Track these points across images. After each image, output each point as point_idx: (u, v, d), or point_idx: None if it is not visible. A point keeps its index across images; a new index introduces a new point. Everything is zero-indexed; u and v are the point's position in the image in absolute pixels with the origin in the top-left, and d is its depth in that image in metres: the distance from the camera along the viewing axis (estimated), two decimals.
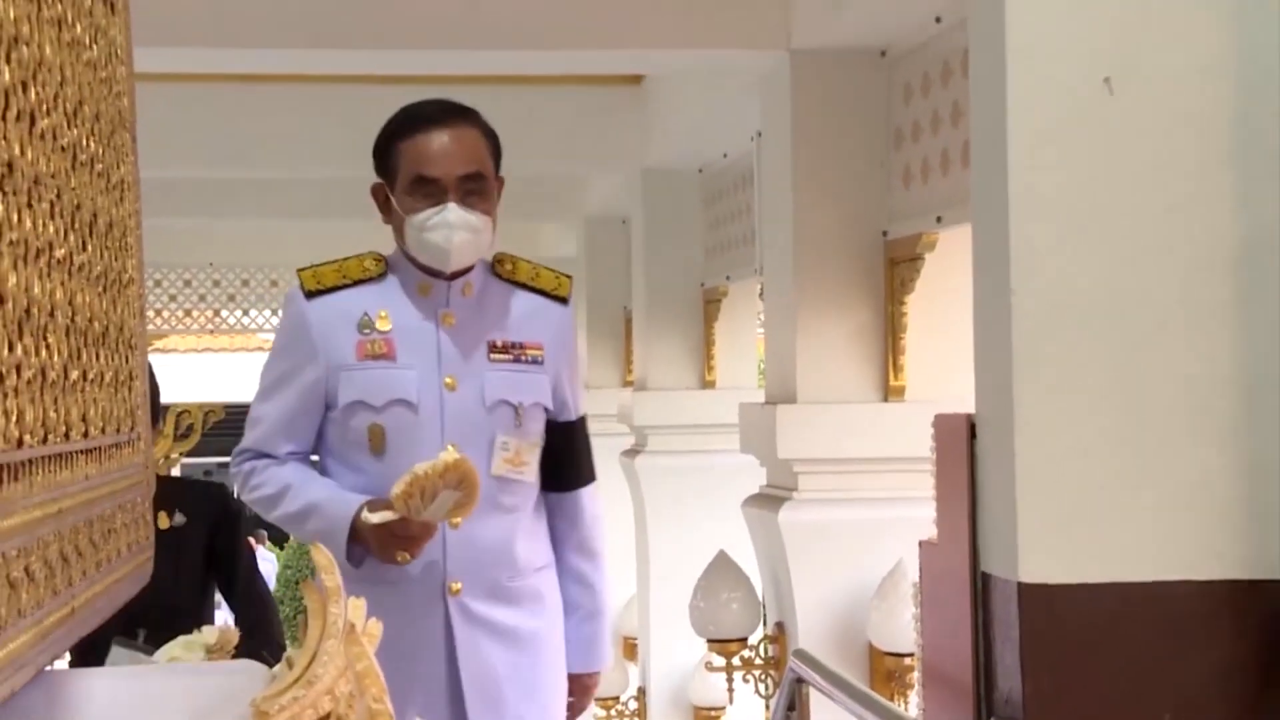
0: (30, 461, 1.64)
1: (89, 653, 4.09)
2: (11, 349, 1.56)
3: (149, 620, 4.37)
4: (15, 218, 1.58)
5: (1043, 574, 2.76)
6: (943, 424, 3.25)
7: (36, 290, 1.67)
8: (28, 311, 1.62)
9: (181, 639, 3.91)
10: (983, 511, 2.94)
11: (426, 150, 3.95)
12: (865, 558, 6.10)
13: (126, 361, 2.22)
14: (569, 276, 4.33)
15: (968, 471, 3.05)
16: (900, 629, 5.72)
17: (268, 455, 4.14)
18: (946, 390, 5.84)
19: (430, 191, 3.90)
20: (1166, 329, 2.72)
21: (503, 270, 4.27)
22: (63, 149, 1.82)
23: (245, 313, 13.18)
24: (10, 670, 1.49)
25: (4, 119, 1.55)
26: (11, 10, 1.57)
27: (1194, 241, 2.71)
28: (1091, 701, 2.79)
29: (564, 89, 9.01)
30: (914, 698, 4.89)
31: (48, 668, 1.77)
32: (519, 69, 7.90)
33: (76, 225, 1.89)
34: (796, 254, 6.41)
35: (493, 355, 4.16)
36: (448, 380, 4.09)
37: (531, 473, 4.20)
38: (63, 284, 1.81)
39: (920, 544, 3.44)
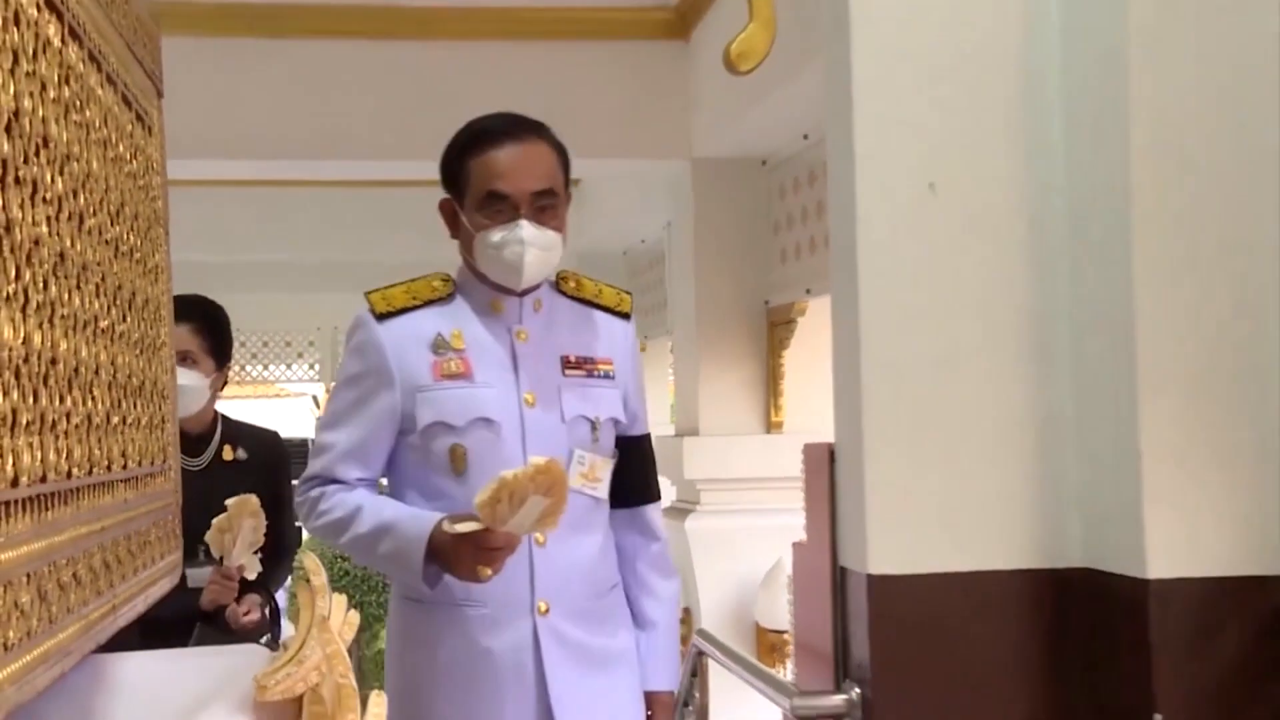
0: (78, 489, 1.63)
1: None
2: (62, 400, 1.56)
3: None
4: (66, 296, 1.58)
5: (886, 567, 2.81)
6: (810, 451, 3.29)
7: (84, 353, 1.67)
8: (76, 370, 1.62)
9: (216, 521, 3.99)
10: (840, 519, 2.99)
11: (498, 166, 3.15)
12: (752, 556, 6.17)
13: (159, 409, 2.21)
14: (629, 293, 3.53)
15: (828, 488, 3.10)
16: (779, 611, 5.75)
17: (336, 481, 3.29)
18: (814, 424, 5.88)
19: (502, 208, 3.14)
20: (976, 377, 2.77)
21: (567, 287, 3.46)
22: (107, 242, 1.81)
23: (265, 367, 13.10)
24: (59, 657, 1.49)
25: (57, 219, 1.55)
26: (64, 134, 1.57)
27: (995, 310, 2.77)
28: (924, 668, 2.85)
29: None
30: (790, 665, 4.90)
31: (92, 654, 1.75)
32: None
33: (118, 302, 1.89)
34: (698, 318, 6.50)
35: (567, 371, 3.34)
36: (527, 396, 3.28)
37: (605, 489, 3.36)
38: (106, 348, 1.80)
39: (794, 545, 3.47)
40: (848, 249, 2.79)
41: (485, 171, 3.18)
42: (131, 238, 1.99)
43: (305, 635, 1.73)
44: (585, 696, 3.17)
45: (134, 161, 2.01)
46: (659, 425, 7.81)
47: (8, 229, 1.36)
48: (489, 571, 3.02)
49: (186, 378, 3.98)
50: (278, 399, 21.91)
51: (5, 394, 1.36)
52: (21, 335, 1.41)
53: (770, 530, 5.82)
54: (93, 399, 1.73)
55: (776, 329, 6.45)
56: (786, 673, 5.01)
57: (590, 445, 3.29)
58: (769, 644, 6.13)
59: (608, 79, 6.34)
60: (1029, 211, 2.72)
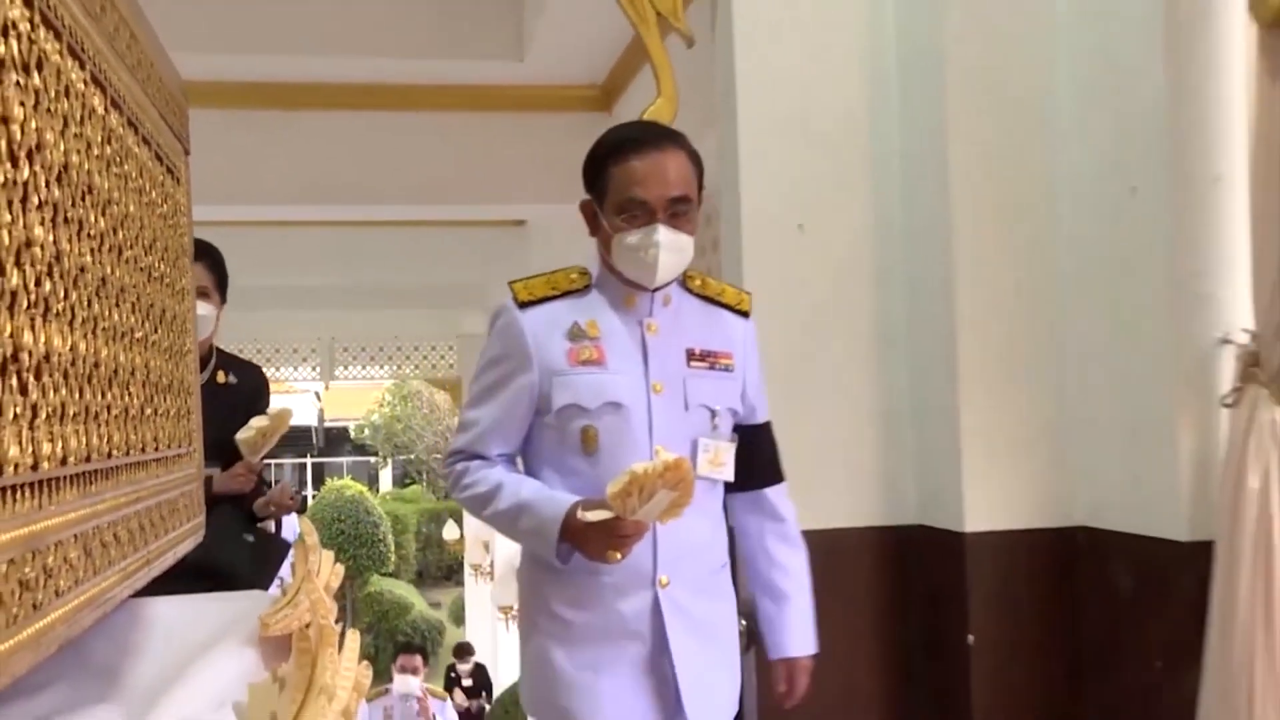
0: (118, 467, 1.63)
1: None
2: (104, 396, 1.55)
3: (218, 451, 3.89)
4: (107, 312, 1.58)
5: None
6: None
7: (121, 358, 1.66)
8: (115, 371, 1.62)
9: (263, 418, 4.00)
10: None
11: (637, 174, 2.77)
12: None
13: (185, 403, 2.20)
14: (749, 293, 3.08)
15: None
16: None
17: (480, 456, 3.01)
18: None
19: (639, 213, 2.77)
20: (834, 376, 2.84)
21: (693, 285, 3.06)
22: (141, 269, 1.81)
23: (276, 369, 13.02)
24: (102, 601, 1.48)
25: (100, 250, 1.54)
26: (106, 182, 1.56)
27: (849, 323, 2.85)
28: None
29: (474, 228, 9.02)
30: None
31: (130, 597, 1.75)
32: (448, 216, 7.89)
33: (150, 316, 1.88)
34: None
35: (692, 362, 2.96)
36: (655, 384, 2.90)
37: (728, 473, 2.97)
38: (140, 354, 1.80)
39: None
40: (736, 274, 2.82)
41: (626, 178, 2.80)
42: (162, 266, 1.99)
43: (299, 585, 1.74)
44: (700, 662, 2.84)
45: (165, 205, 2.00)
46: None
47: (57, 258, 1.36)
48: (618, 555, 2.75)
49: (201, 309, 3.88)
50: (286, 394, 21.71)
51: (55, 391, 1.36)
52: (69, 343, 1.41)
53: None
54: (129, 395, 1.72)
55: None
56: None
57: (710, 432, 2.90)
58: None
59: (549, 141, 6.34)
60: (875, 246, 2.78)
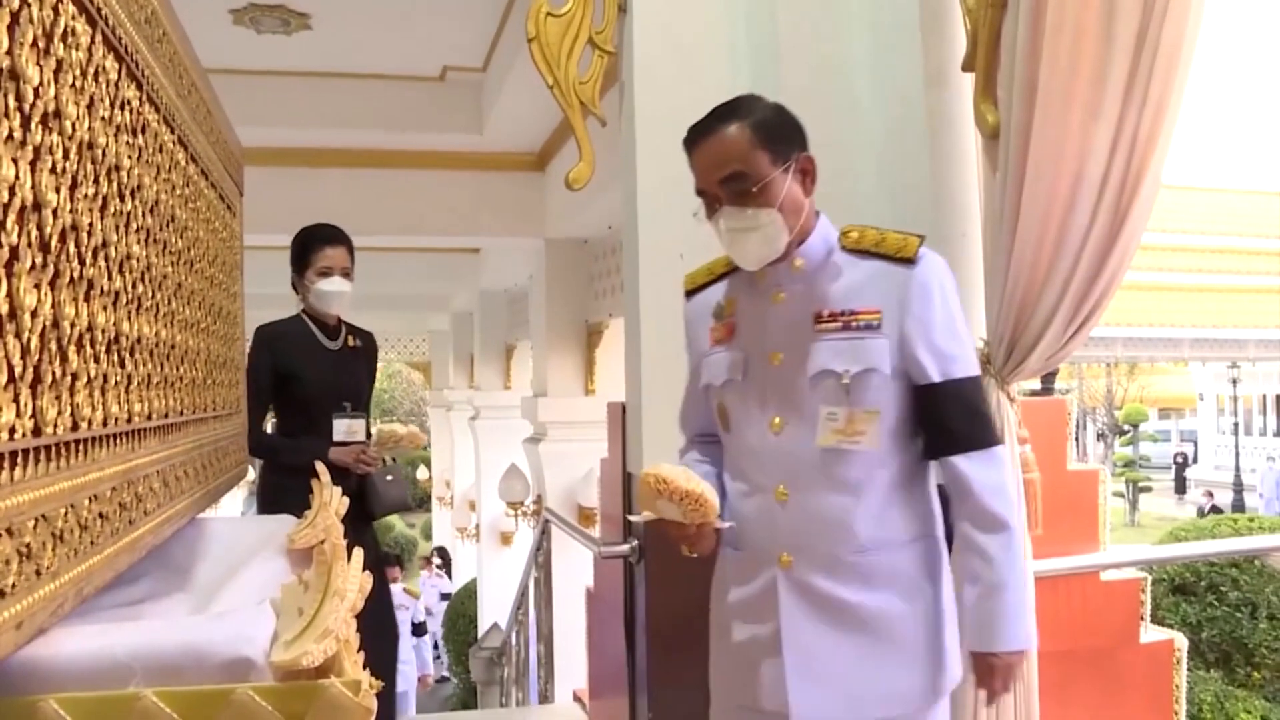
0: (188, 422, 1.60)
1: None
2: (178, 369, 1.53)
3: (351, 398, 3.43)
4: (182, 309, 1.56)
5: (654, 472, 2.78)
6: (611, 407, 3.25)
7: (190, 343, 1.64)
8: (185, 352, 1.59)
9: (403, 427, 3.57)
10: (627, 444, 2.96)
11: (694, 166, 2.08)
12: (578, 465, 6.17)
13: (234, 375, 2.17)
14: (920, 236, 2.09)
15: (621, 428, 3.01)
16: (592, 497, 5.77)
17: (686, 440, 2.33)
18: (612, 391, 5.90)
19: (707, 202, 2.07)
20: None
21: (847, 241, 2.14)
22: (206, 277, 1.78)
23: None
24: (177, 519, 1.46)
25: (178, 263, 1.52)
26: (184, 214, 1.54)
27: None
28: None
29: (441, 254, 8.98)
30: (598, 528, 4.91)
31: (197, 517, 1.72)
32: (422, 244, 7.85)
33: (212, 312, 1.85)
34: (548, 328, 6.48)
35: (818, 326, 2.08)
36: (772, 355, 2.09)
37: (871, 441, 2.03)
38: (204, 340, 1.77)
39: (600, 459, 3.41)
40: (633, 290, 2.81)
41: (693, 172, 2.06)
42: (221, 275, 1.96)
43: (316, 512, 1.73)
44: (824, 649, 1.98)
45: (224, 231, 1.97)
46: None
47: (148, 268, 1.34)
48: (689, 551, 2.05)
49: (348, 286, 3.47)
50: None
51: (144, 365, 1.34)
52: (154, 330, 1.39)
53: (588, 451, 5.76)
54: (195, 369, 1.70)
55: (592, 335, 6.46)
56: (596, 531, 5.02)
57: (842, 399, 1.97)
58: (586, 515, 6.15)
59: (498, 191, 6.31)
60: None
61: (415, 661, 9.44)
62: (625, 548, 2.91)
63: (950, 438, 1.92)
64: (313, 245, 3.51)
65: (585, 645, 3.90)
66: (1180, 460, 26.54)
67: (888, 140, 2.80)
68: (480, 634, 5.64)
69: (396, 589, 7.96)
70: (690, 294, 2.21)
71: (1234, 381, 23.18)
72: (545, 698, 4.74)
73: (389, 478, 3.56)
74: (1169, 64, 2.19)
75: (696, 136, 1.95)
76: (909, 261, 1.91)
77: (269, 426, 3.62)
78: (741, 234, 1.92)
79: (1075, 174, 2.25)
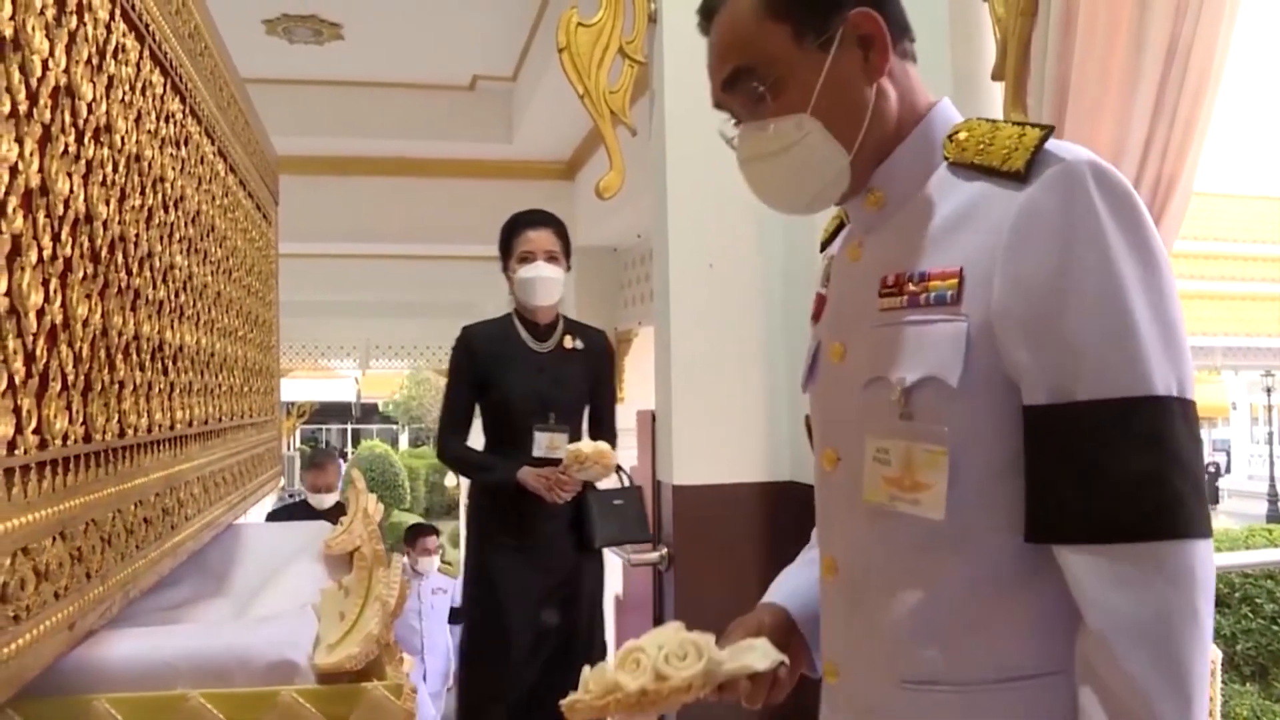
0: (226, 429, 1.63)
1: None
2: (218, 377, 1.56)
3: (558, 409, 2.90)
4: (221, 317, 1.58)
5: (683, 480, 2.76)
6: (642, 415, 3.27)
7: (229, 350, 1.66)
8: (225, 360, 1.62)
9: (591, 444, 2.84)
10: (657, 453, 2.97)
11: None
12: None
13: (271, 383, 2.20)
14: (1042, 129, 0.99)
15: (651, 436, 3.02)
16: None
17: None
18: (643, 399, 5.88)
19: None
20: (732, 372, 2.79)
21: (951, 150, 1.04)
22: (243, 286, 1.81)
23: (329, 360, 12.85)
24: (217, 525, 1.48)
25: (218, 272, 1.54)
26: (223, 223, 1.56)
27: (744, 334, 2.79)
28: (702, 539, 2.80)
29: (470, 261, 9.04)
30: None
31: (234, 523, 1.74)
32: (452, 252, 7.89)
33: (249, 320, 1.88)
34: None
35: (882, 297, 1.04)
36: (833, 347, 1.12)
37: (931, 506, 0.98)
38: (242, 348, 1.79)
39: (632, 466, 3.42)
40: (663, 298, 2.81)
41: None
42: (257, 284, 1.98)
43: (353, 518, 1.74)
44: None
45: (260, 240, 2.00)
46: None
47: (189, 277, 1.36)
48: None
49: (553, 271, 3.02)
50: (333, 379, 21.47)
51: (185, 373, 1.36)
52: (195, 339, 1.41)
53: (623, 457, 5.70)
54: (234, 377, 1.72)
55: (622, 343, 6.46)
56: None
57: (896, 427, 1.03)
58: None
59: (528, 200, 6.27)
60: (762, 278, 2.77)
61: (449, 657, 7.59)
62: (654, 556, 2.91)
63: (1054, 508, 0.95)
64: (514, 230, 3.16)
65: (613, 651, 3.91)
66: (1213, 470, 26.20)
67: None
68: None
69: (432, 567, 6.78)
70: (824, 247, 1.35)
71: (1268, 390, 22.86)
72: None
73: (616, 502, 3.08)
74: (1201, 71, 2.18)
75: (701, 19, 1.15)
76: (1018, 177, 0.97)
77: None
78: (761, 165, 1.11)
79: None
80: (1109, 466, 0.91)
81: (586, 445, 2.86)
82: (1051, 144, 0.97)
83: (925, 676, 1.02)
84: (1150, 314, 0.93)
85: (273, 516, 5.38)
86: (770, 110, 1.06)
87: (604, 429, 3.10)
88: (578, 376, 3.02)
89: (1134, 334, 0.92)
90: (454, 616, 7.20)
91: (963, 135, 1.05)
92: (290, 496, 6.86)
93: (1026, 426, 0.96)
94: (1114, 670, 0.91)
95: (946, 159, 1.05)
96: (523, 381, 2.95)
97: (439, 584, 6.96)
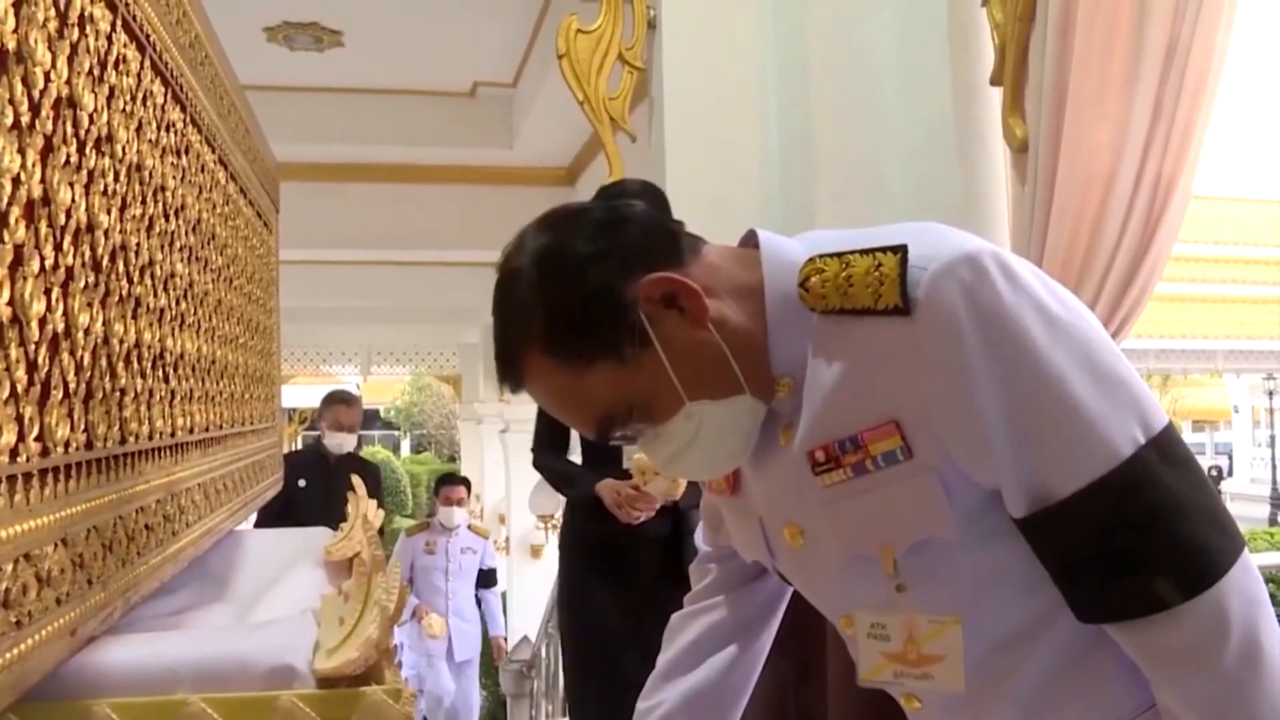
0: (227, 436, 1.63)
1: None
2: (219, 384, 1.56)
3: None
4: (221, 325, 1.59)
5: None
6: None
7: (230, 358, 1.67)
8: (225, 368, 1.63)
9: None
10: None
11: None
12: None
13: (271, 390, 2.20)
14: (894, 250, 0.90)
15: None
16: None
17: None
18: None
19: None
20: None
21: (813, 301, 0.94)
22: (244, 293, 1.81)
23: (330, 366, 12.87)
24: (217, 531, 1.49)
25: (218, 279, 1.55)
26: (224, 231, 1.57)
27: None
28: None
29: (472, 267, 9.04)
30: None
31: (235, 529, 1.75)
32: (453, 258, 7.90)
33: (249, 328, 1.89)
34: None
35: (819, 477, 0.95)
36: (789, 531, 1.02)
37: (951, 678, 0.94)
38: (242, 355, 1.80)
39: None
40: None
41: None
42: (258, 291, 1.99)
43: (353, 524, 1.75)
44: None
45: (261, 248, 2.01)
46: None
47: (190, 285, 1.37)
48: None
49: None
50: (335, 385, 21.52)
51: (186, 380, 1.37)
52: (196, 346, 1.42)
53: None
54: (234, 384, 1.73)
55: None
56: None
57: (891, 600, 0.97)
58: None
59: (527, 206, 6.25)
60: None
61: (478, 620, 6.67)
62: None
63: (1083, 603, 0.92)
64: None
65: None
66: (1215, 474, 26.17)
67: (916, 154, 2.80)
68: (510, 647, 5.60)
69: (454, 519, 6.11)
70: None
71: (1270, 394, 22.86)
72: None
73: None
74: (1199, 73, 2.19)
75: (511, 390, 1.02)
76: (899, 311, 0.90)
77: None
78: (686, 457, 1.01)
79: (1105, 186, 2.25)
80: (1113, 550, 0.89)
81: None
82: (913, 261, 0.90)
83: None
84: (1087, 381, 0.88)
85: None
86: (655, 422, 0.98)
87: None
88: None
89: (1081, 417, 0.88)
90: (483, 579, 6.54)
91: (814, 281, 0.95)
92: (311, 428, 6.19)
93: (1024, 535, 0.92)
94: (1200, 690, 0.88)
95: (812, 310, 0.95)
96: None
97: (468, 543, 6.31)
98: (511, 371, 0.99)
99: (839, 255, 0.94)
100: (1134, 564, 0.88)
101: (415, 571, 6.15)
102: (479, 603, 6.47)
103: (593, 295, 0.94)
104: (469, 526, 6.41)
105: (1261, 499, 22.69)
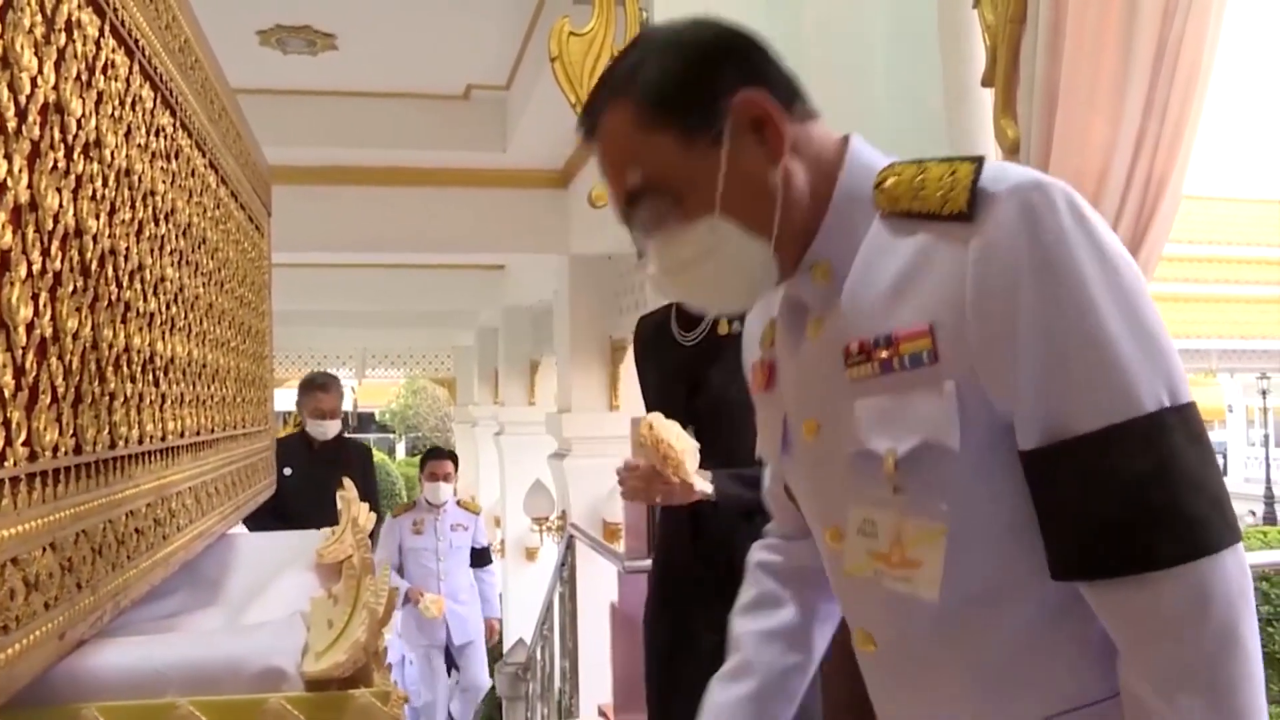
0: (219, 439, 1.64)
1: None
2: (209, 388, 1.56)
3: (697, 405, 2.25)
4: (213, 329, 1.59)
5: None
6: (634, 422, 3.25)
7: (221, 361, 1.67)
8: (216, 371, 1.63)
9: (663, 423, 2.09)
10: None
11: None
12: (602, 480, 6.13)
13: (264, 393, 2.20)
14: (972, 161, 0.94)
15: None
16: (616, 512, 5.77)
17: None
18: (637, 407, 5.87)
19: (635, 241, 1.06)
20: None
21: (883, 201, 0.99)
22: (236, 297, 1.82)
23: (325, 369, 12.81)
24: (208, 535, 1.49)
25: (209, 283, 1.55)
26: (215, 235, 1.57)
27: None
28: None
29: (466, 270, 9.04)
30: (621, 545, 4.90)
31: (227, 532, 1.75)
32: (448, 261, 7.91)
33: (241, 331, 1.89)
34: (572, 343, 6.47)
35: (850, 369, 0.97)
36: (807, 425, 1.04)
37: (926, 585, 0.94)
38: (234, 359, 1.80)
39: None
40: (655, 299, 2.81)
41: None
42: (250, 295, 1.99)
43: (344, 528, 1.75)
44: None
45: (253, 251, 2.01)
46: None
47: (180, 289, 1.37)
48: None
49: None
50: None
51: (177, 384, 1.37)
52: (187, 350, 1.42)
53: (612, 467, 5.65)
54: (226, 388, 1.73)
55: (616, 351, 6.45)
56: (620, 547, 5.01)
57: (885, 499, 0.97)
58: (611, 531, 6.12)
59: (522, 208, 6.36)
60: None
61: (475, 602, 6.35)
62: (649, 563, 2.90)
63: (1067, 551, 0.92)
64: None
65: (610, 660, 3.91)
66: None
67: (909, 156, 2.81)
68: (505, 649, 5.61)
69: (446, 495, 5.89)
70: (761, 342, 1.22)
71: (1264, 393, 22.91)
72: (570, 712, 4.75)
73: None
74: (1189, 75, 2.19)
75: (583, 134, 1.06)
76: (963, 218, 0.93)
77: None
78: (683, 275, 1.04)
79: (1096, 186, 2.26)
80: (1114, 499, 0.88)
81: (657, 424, 2.15)
82: (987, 174, 0.93)
83: None
84: (1126, 328, 0.89)
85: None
86: (678, 219, 1.00)
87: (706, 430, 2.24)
88: (727, 368, 2.22)
89: (1117, 357, 0.88)
90: (477, 558, 6.25)
91: (890, 183, 1.00)
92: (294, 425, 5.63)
93: (1026, 472, 0.92)
94: (1150, 706, 0.87)
95: (879, 209, 1.00)
96: (663, 376, 2.55)
97: (458, 519, 6.10)
98: (597, 108, 1.03)
99: (918, 162, 1.00)
100: (1129, 519, 0.87)
101: (404, 554, 5.97)
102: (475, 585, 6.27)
103: (708, 78, 0.99)
104: (458, 502, 6.22)
105: (1256, 498, 22.73)
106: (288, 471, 4.23)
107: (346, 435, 4.86)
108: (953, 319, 0.91)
